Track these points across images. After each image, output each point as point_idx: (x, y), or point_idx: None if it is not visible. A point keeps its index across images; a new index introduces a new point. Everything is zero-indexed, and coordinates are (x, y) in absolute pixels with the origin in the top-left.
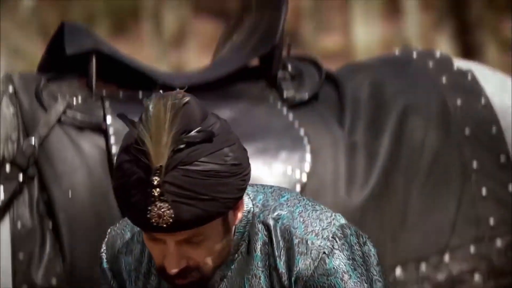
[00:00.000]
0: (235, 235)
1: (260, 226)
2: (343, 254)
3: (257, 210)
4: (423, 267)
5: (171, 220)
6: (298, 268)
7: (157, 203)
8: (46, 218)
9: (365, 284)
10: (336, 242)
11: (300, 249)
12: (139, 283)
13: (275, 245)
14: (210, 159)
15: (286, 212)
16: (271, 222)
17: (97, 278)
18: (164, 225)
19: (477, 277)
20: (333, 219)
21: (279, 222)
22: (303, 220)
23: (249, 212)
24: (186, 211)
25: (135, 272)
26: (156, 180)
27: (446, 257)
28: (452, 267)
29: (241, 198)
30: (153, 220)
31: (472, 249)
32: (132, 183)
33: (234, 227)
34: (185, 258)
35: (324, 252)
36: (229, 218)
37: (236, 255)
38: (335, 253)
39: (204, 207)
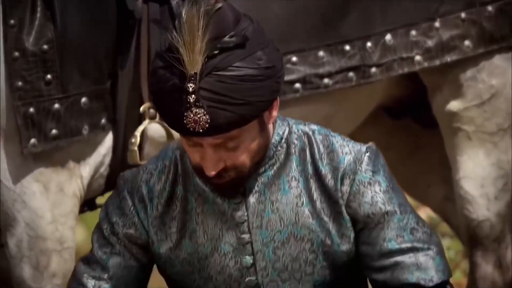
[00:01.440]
0: (273, 137)
1: (298, 132)
2: (382, 161)
3: (291, 123)
4: (413, 33)
5: (207, 125)
6: (344, 165)
7: (192, 109)
8: None
9: (399, 193)
10: (374, 152)
11: (343, 150)
12: (160, 208)
13: (315, 149)
14: (244, 63)
15: (319, 127)
16: (308, 131)
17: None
18: (201, 130)
19: (467, 42)
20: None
21: (316, 132)
22: (337, 134)
23: (285, 120)
24: (222, 116)
25: (157, 199)
26: (191, 87)
27: (437, 23)
28: (443, 32)
29: (275, 99)
30: (190, 126)
31: (463, 14)
32: (168, 89)
33: (271, 124)
34: (222, 160)
35: (367, 153)
36: (265, 116)
37: (274, 159)
38: (377, 156)
39: (239, 111)
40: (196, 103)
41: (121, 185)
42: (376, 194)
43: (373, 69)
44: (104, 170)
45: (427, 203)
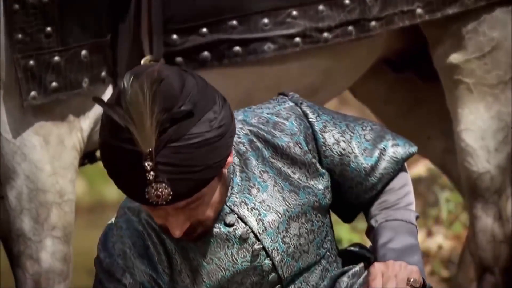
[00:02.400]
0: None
1: (241, 133)
2: (309, 102)
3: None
4: None
5: (170, 197)
6: (296, 128)
7: (153, 185)
8: None
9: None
10: (302, 100)
11: (282, 116)
12: (168, 271)
13: (261, 133)
14: (197, 129)
15: (244, 113)
16: (241, 125)
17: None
18: (164, 203)
19: None
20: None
21: (247, 119)
22: (258, 106)
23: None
24: (183, 185)
25: (160, 265)
26: (148, 165)
27: None
28: None
29: (231, 152)
30: (152, 200)
31: None
32: (123, 168)
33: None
34: (187, 220)
35: (301, 104)
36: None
37: (232, 169)
38: (306, 101)
39: (199, 176)
40: (156, 179)
41: (117, 271)
42: (333, 132)
43: (373, 23)
44: None
45: (427, 156)
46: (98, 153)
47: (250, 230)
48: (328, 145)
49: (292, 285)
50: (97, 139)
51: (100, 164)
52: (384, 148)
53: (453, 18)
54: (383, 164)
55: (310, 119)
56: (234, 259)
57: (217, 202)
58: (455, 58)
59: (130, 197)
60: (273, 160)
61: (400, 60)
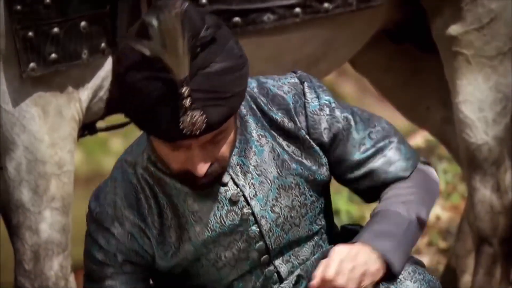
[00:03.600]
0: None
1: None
2: (316, 81)
3: None
4: None
5: (204, 125)
6: (292, 104)
7: (189, 112)
8: None
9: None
10: (307, 78)
11: (283, 90)
12: (157, 225)
13: (260, 102)
14: (223, 57)
15: (252, 84)
16: (251, 96)
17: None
18: (197, 132)
19: None
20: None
21: (251, 86)
22: (266, 77)
23: None
24: (216, 112)
25: (149, 218)
26: (185, 90)
27: None
28: None
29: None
30: (187, 130)
31: None
32: (156, 100)
33: None
34: (209, 157)
35: (304, 82)
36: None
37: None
38: (311, 81)
39: (229, 104)
40: (192, 106)
41: (105, 220)
42: (329, 116)
43: None
44: (103, 94)
45: (426, 126)
46: (98, 124)
47: (241, 193)
48: (318, 128)
49: (281, 257)
50: (97, 110)
51: (98, 135)
52: (382, 149)
53: None
54: (373, 164)
55: (306, 100)
56: (222, 221)
57: (231, 142)
58: (453, 29)
59: (160, 132)
60: (271, 129)
61: (399, 31)
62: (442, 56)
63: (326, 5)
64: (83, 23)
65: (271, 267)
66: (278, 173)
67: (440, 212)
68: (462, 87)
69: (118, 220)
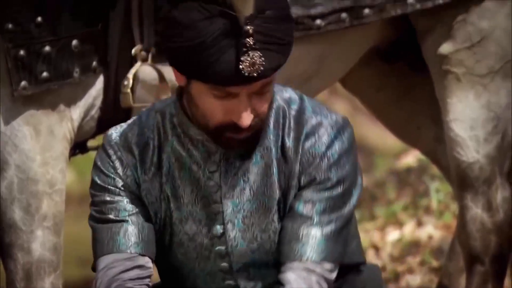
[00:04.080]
0: None
1: (276, 104)
2: (347, 139)
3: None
4: None
5: (262, 68)
6: (303, 138)
7: (250, 52)
8: None
9: (350, 182)
10: (345, 127)
11: (309, 123)
12: (149, 173)
13: (287, 124)
14: (279, 4)
15: (296, 96)
16: (284, 104)
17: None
18: (255, 74)
19: None
20: (340, 115)
21: (292, 106)
22: (312, 105)
23: None
24: (272, 57)
25: (147, 163)
26: (249, 29)
27: None
28: None
29: None
30: (246, 70)
31: None
32: (217, 38)
33: None
34: (253, 109)
35: (331, 126)
36: None
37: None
38: (342, 133)
39: (284, 51)
40: (254, 46)
41: (113, 146)
42: (313, 195)
43: (366, 10)
44: (95, 112)
45: (417, 145)
46: (89, 143)
47: (219, 187)
48: (308, 171)
49: (246, 273)
50: (88, 129)
51: (90, 154)
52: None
53: (442, 8)
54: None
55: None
56: (196, 201)
57: (270, 99)
58: (444, 48)
59: (218, 73)
60: (279, 150)
61: (390, 50)
62: (433, 74)
63: (318, 22)
64: (74, 42)
65: (231, 281)
66: (263, 191)
67: (432, 231)
68: (453, 106)
69: (122, 150)
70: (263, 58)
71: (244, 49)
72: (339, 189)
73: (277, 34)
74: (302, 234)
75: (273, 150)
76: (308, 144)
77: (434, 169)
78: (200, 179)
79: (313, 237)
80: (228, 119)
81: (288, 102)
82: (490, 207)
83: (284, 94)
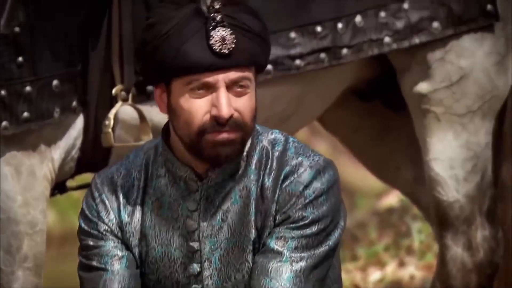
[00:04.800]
0: None
1: (260, 145)
2: (327, 180)
3: (255, 133)
4: (383, 14)
5: (233, 45)
6: (282, 178)
7: (219, 27)
8: None
9: (325, 224)
10: (326, 169)
11: (289, 164)
12: (131, 214)
13: (269, 165)
14: (252, 9)
15: (282, 137)
16: (268, 145)
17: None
18: (227, 51)
19: (435, 24)
20: (323, 157)
21: (276, 147)
22: (295, 146)
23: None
24: (244, 41)
25: (130, 206)
26: (217, 4)
27: (405, 5)
28: (411, 14)
29: (262, 70)
30: (216, 46)
31: None
32: (187, 20)
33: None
34: (232, 103)
35: (311, 167)
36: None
37: (234, 170)
38: (322, 174)
39: (257, 42)
40: (222, 22)
41: (98, 188)
42: (286, 232)
43: (344, 51)
44: (75, 152)
45: (397, 185)
46: (68, 183)
47: (197, 227)
48: (284, 209)
49: None
50: (68, 169)
51: (71, 194)
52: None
53: (421, 47)
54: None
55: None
56: (172, 241)
57: (253, 110)
58: (423, 87)
59: (191, 53)
60: (259, 190)
61: (369, 89)
62: (412, 113)
63: (297, 62)
64: (55, 82)
65: None
66: (240, 231)
67: (414, 272)
68: (433, 145)
69: (107, 193)
70: (233, 36)
71: (213, 24)
72: (313, 228)
73: (250, 24)
74: (271, 269)
75: (252, 189)
76: (286, 183)
77: (416, 210)
78: (179, 218)
79: (282, 273)
80: (208, 117)
81: (273, 143)
82: (470, 246)
83: (270, 136)
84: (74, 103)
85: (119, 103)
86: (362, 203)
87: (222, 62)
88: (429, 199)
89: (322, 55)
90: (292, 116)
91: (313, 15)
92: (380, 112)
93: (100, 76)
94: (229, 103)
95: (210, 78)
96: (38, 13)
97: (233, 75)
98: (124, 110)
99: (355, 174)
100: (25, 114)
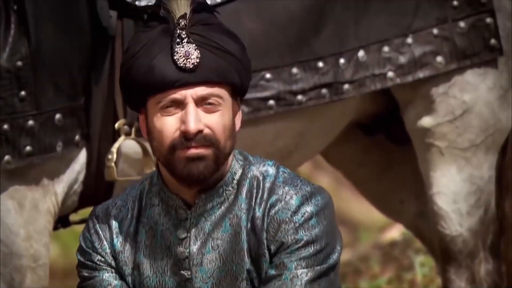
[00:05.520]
0: (226, 175)
1: (250, 174)
2: (315, 204)
3: (247, 163)
4: (386, 49)
5: (198, 60)
6: (269, 206)
7: (184, 43)
8: None
9: (321, 245)
10: (313, 194)
11: (277, 193)
12: (125, 244)
13: (260, 194)
14: (224, 25)
15: (272, 170)
16: (259, 175)
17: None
18: (191, 66)
19: (439, 58)
20: (313, 185)
21: (267, 178)
22: (284, 177)
23: (244, 158)
24: (211, 57)
25: (123, 235)
26: (182, 22)
27: (409, 39)
28: (415, 48)
29: (243, 93)
30: (180, 61)
31: (435, 30)
32: (156, 38)
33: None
34: (202, 122)
35: (296, 193)
36: (233, 109)
37: (223, 198)
38: (309, 199)
39: (225, 59)
40: (188, 38)
41: (93, 220)
42: (284, 257)
43: (346, 86)
44: (78, 186)
45: (400, 219)
46: (71, 217)
47: (187, 255)
48: (276, 236)
49: None
50: (71, 203)
51: (74, 228)
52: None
53: (424, 81)
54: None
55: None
56: (166, 269)
57: (228, 130)
58: (426, 121)
59: (157, 69)
60: (249, 219)
61: (372, 123)
62: (415, 147)
63: (299, 97)
64: (58, 116)
65: None
66: (232, 259)
67: None
68: (436, 179)
69: (101, 223)
70: (198, 51)
71: (178, 40)
72: (310, 249)
73: (218, 41)
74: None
75: (243, 218)
76: (273, 211)
77: (419, 243)
78: (171, 246)
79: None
80: (178, 134)
81: (264, 174)
82: (474, 281)
83: (261, 168)
84: (77, 137)
85: (122, 137)
86: (365, 237)
87: (187, 77)
88: (432, 233)
89: (324, 90)
90: (295, 152)
91: (315, 50)
92: (383, 146)
93: (102, 110)
94: (197, 119)
95: (178, 95)
96: (40, 47)
97: (201, 91)
98: (127, 144)
99: (358, 207)
100: (28, 148)
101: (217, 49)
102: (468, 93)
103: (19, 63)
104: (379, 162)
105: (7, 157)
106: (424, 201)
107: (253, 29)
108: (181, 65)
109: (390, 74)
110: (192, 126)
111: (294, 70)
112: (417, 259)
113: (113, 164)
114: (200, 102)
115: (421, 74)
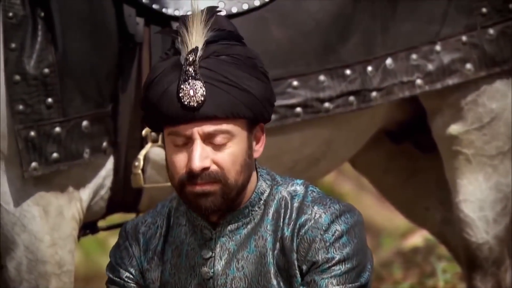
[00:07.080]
0: (253, 194)
1: (278, 195)
2: (345, 222)
3: (275, 183)
4: (414, 56)
5: (202, 98)
6: (299, 226)
7: (190, 80)
8: (38, 6)
9: (353, 264)
10: (344, 212)
11: (306, 212)
12: (151, 261)
13: (288, 215)
14: (241, 55)
15: (301, 189)
16: (287, 196)
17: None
18: (195, 104)
19: (468, 66)
20: (343, 203)
21: (295, 198)
22: (313, 196)
23: (271, 178)
24: (219, 94)
25: (151, 252)
26: (190, 57)
27: (437, 46)
28: (443, 56)
29: (265, 121)
30: (185, 99)
31: (464, 37)
32: (168, 70)
33: (254, 174)
34: (209, 158)
35: (325, 212)
36: (252, 138)
37: (249, 219)
38: (339, 217)
39: (235, 94)
40: (195, 75)
41: (122, 236)
42: (315, 276)
43: (374, 93)
44: (105, 193)
45: (425, 226)
46: (99, 223)
47: (212, 275)
48: (307, 255)
49: None
50: (98, 209)
51: (97, 235)
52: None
53: (452, 88)
54: None
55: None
56: None
57: (239, 163)
58: (454, 129)
59: (163, 104)
60: (277, 240)
61: (399, 131)
62: (442, 155)
63: (327, 104)
64: (85, 123)
65: None
66: (258, 280)
67: None
68: (463, 187)
69: (130, 239)
70: (204, 89)
71: (185, 77)
72: (342, 267)
73: (229, 75)
74: None
75: (269, 239)
76: (303, 231)
77: (441, 250)
78: (195, 266)
79: None
80: (185, 170)
81: (292, 194)
82: None
83: (290, 187)
84: (104, 144)
85: (149, 144)
86: (387, 243)
87: (192, 115)
88: (458, 241)
89: (351, 98)
90: (322, 159)
91: (342, 58)
92: (409, 153)
93: (130, 117)
94: (203, 156)
95: (186, 130)
96: (67, 54)
97: (207, 128)
98: (154, 151)
99: (380, 214)
100: (55, 154)
101: (225, 84)
102: (497, 101)
103: (46, 70)
104: (405, 169)
105: (33, 164)
106: (449, 208)
107: (280, 38)
108: (185, 103)
109: (419, 81)
110: (196, 165)
111: (321, 77)
112: (439, 265)
113: (139, 171)
114: (208, 138)
115: (450, 81)
